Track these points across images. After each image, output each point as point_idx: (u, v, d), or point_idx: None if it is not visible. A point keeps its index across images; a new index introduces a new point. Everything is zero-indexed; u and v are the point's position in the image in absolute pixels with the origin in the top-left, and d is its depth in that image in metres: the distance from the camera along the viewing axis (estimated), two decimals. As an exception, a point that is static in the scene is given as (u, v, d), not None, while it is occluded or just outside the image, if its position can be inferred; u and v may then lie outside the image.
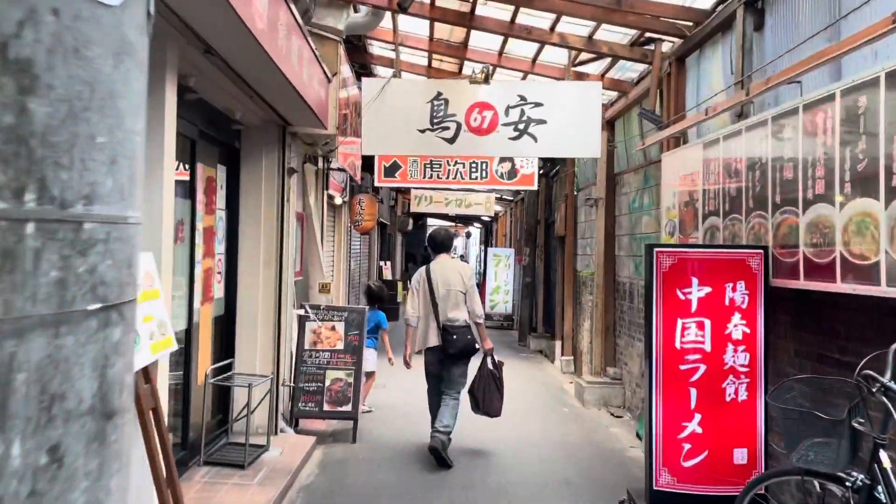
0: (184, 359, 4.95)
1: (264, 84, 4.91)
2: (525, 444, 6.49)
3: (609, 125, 8.44)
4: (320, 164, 8.61)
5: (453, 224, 34.51)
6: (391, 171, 10.75)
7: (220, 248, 5.83)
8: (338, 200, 9.00)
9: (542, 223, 13.42)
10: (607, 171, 8.46)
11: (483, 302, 13.36)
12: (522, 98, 6.64)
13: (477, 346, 5.98)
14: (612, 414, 7.80)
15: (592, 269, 9.47)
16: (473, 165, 10.78)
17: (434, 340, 5.93)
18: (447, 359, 5.89)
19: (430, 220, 34.96)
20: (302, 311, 6.56)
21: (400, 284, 19.04)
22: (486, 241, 29.89)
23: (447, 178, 10.80)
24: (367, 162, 11.86)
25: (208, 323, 5.57)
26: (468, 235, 35.93)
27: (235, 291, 6.05)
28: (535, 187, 10.96)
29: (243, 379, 5.53)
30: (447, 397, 5.92)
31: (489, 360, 6.08)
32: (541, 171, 13.24)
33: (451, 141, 6.67)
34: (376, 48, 8.86)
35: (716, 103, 5.30)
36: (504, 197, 19.25)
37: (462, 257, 32.39)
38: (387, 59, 8.90)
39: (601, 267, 8.44)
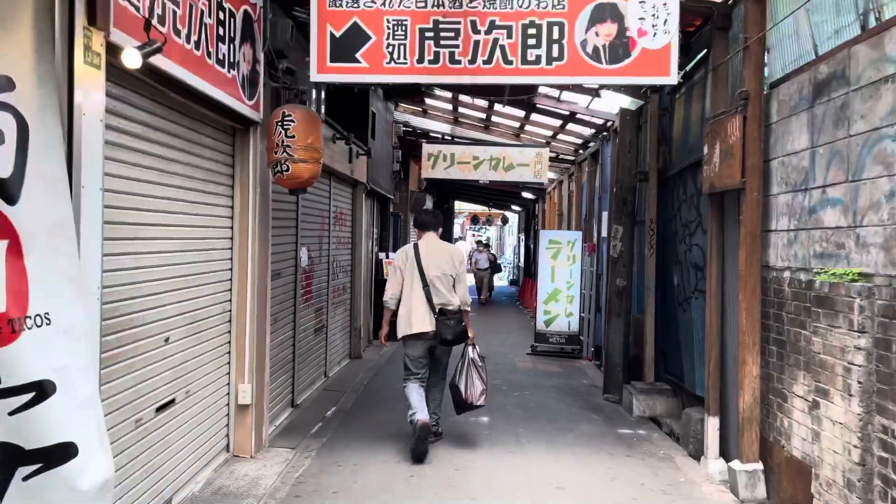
0: None
1: None
2: None
3: None
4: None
5: (486, 209, 28.32)
6: (348, 45, 4.78)
7: None
8: (133, 61, 3.01)
9: (652, 178, 7.34)
10: None
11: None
12: None
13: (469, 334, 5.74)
14: None
15: (863, 265, 3.41)
16: (530, 30, 4.76)
17: (424, 325, 5.53)
18: (439, 346, 5.63)
19: (457, 205, 28.77)
20: None
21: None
22: (528, 228, 23.71)
23: (470, 60, 4.78)
24: (299, 27, 5.93)
25: None
26: (504, 221, 29.76)
27: None
28: (671, 79, 4.91)
29: None
30: (434, 389, 5.77)
31: (471, 349, 5.72)
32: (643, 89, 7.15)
33: None
34: None
35: None
36: (563, 156, 13.12)
37: (457, 240, 25.49)
38: None
39: None
